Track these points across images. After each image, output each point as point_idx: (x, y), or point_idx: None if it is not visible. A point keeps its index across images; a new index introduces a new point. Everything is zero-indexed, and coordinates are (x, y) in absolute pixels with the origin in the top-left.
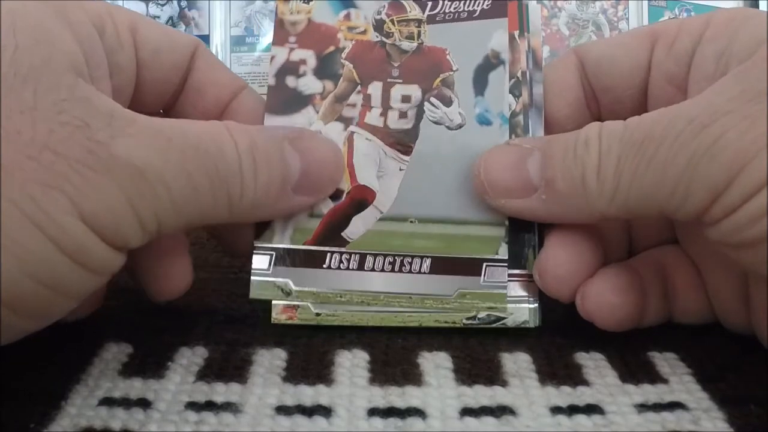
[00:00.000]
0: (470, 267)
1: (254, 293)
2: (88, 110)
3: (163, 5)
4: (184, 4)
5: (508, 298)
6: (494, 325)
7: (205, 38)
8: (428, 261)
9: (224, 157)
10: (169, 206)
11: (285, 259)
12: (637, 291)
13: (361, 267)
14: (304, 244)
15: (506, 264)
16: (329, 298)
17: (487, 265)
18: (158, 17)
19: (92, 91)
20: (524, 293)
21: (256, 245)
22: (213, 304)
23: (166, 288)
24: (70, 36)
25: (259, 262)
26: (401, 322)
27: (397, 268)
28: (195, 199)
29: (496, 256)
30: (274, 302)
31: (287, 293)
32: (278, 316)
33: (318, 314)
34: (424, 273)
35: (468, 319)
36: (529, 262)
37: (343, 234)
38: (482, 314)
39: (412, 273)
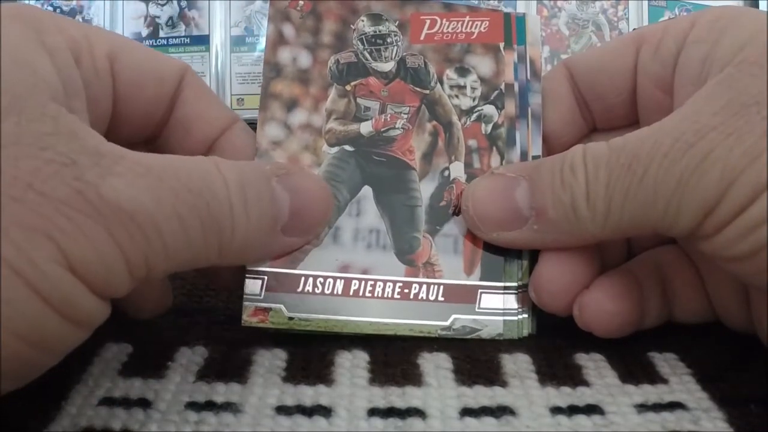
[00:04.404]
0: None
1: (247, 319)
2: (74, 146)
3: (163, 5)
4: (184, 4)
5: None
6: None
7: (205, 38)
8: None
9: (215, 197)
10: (160, 251)
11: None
12: (634, 296)
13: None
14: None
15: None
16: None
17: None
18: (158, 17)
19: (77, 123)
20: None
21: (248, 269)
22: (213, 304)
23: (144, 310)
24: (49, 62)
25: (251, 286)
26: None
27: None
28: (186, 242)
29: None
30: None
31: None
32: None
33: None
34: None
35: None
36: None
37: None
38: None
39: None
